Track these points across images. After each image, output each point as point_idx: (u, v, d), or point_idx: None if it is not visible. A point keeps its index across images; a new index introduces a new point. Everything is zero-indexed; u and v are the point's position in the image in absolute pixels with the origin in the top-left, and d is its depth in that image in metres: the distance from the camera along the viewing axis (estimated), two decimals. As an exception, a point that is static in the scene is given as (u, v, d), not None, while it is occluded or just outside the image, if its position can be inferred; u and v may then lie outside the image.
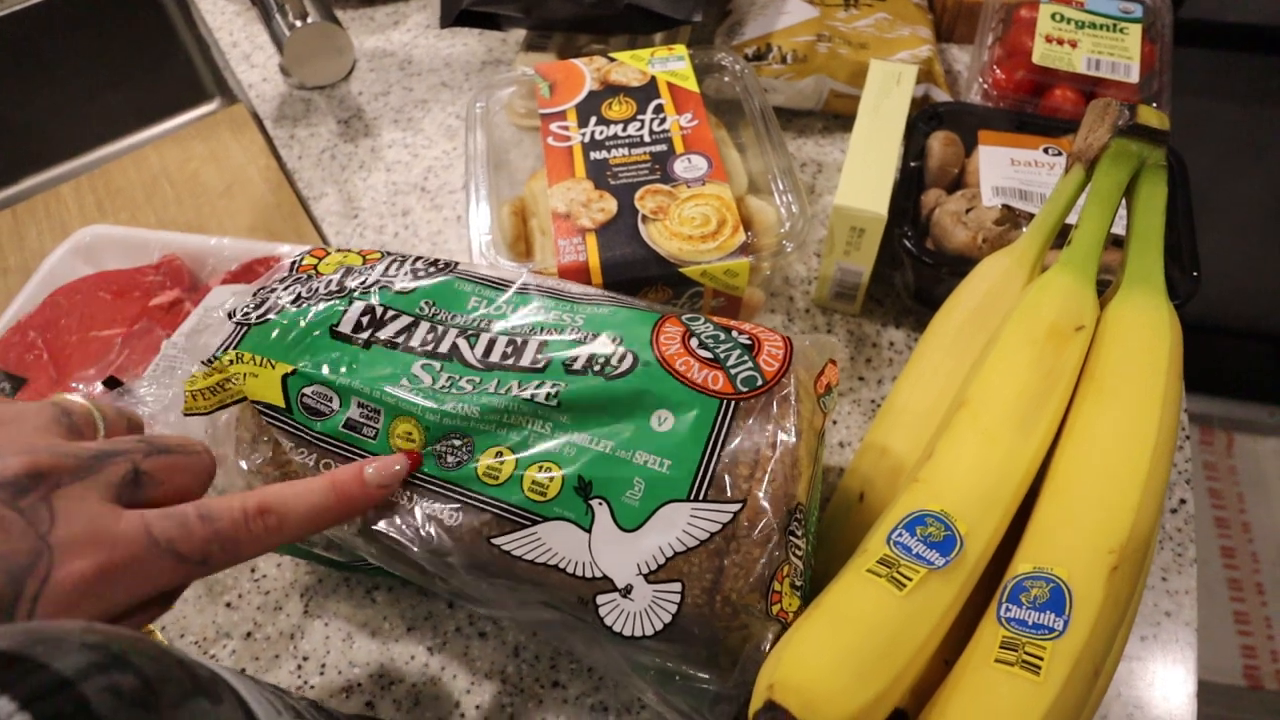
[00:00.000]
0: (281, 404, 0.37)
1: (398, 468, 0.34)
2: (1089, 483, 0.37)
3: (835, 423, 0.52)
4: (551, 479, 0.34)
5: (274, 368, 0.37)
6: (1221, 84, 1.04)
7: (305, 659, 0.45)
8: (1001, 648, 0.34)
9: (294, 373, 0.37)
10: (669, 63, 0.55)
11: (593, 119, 0.52)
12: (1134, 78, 0.58)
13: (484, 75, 0.72)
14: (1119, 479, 0.37)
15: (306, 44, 0.65)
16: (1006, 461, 0.38)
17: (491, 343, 0.37)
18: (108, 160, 0.69)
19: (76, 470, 0.25)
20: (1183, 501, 0.50)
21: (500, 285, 0.40)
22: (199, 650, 0.45)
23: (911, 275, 0.52)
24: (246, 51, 0.76)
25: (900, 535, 0.36)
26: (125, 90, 0.92)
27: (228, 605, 0.47)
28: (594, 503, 0.33)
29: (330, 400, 0.36)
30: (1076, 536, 0.36)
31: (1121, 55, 0.58)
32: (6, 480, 0.23)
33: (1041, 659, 0.33)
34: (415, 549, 0.35)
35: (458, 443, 0.35)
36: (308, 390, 0.37)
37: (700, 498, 0.33)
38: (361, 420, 0.36)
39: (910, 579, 0.34)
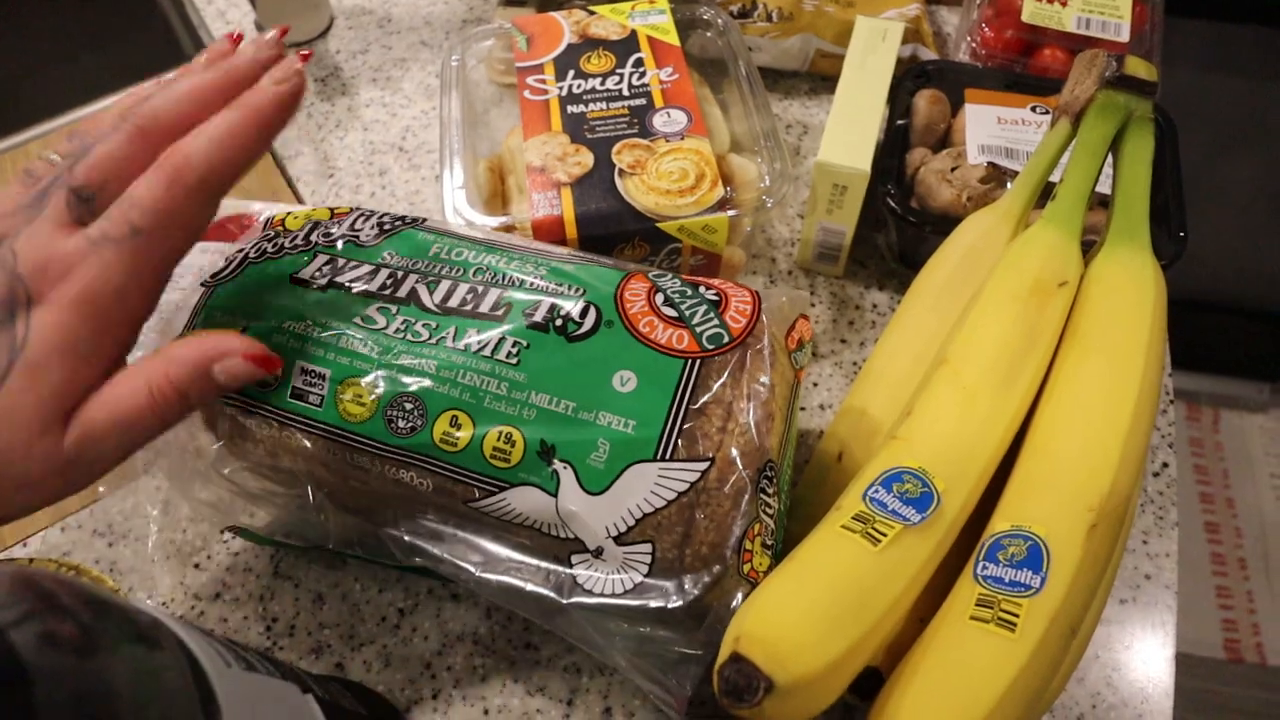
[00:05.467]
0: None
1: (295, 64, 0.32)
2: (1069, 440, 0.37)
3: (816, 384, 0.51)
4: (513, 444, 0.33)
5: None
6: (1216, 56, 1.03)
7: (274, 620, 0.44)
8: (977, 604, 0.33)
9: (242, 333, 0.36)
10: (650, 16, 0.53)
11: (571, 72, 0.51)
12: (1124, 37, 0.57)
13: (467, 32, 0.70)
14: (1099, 436, 0.36)
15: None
16: (986, 419, 0.38)
17: (451, 288, 0.36)
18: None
19: (20, 219, 0.28)
20: (1165, 465, 0.50)
21: (465, 237, 0.39)
22: (165, 613, 0.44)
23: (895, 235, 0.51)
24: (221, 8, 0.74)
25: (876, 491, 0.35)
26: (101, 51, 0.90)
27: (196, 567, 0.46)
28: (558, 466, 0.33)
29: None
30: (1055, 494, 0.36)
31: (1112, 14, 0.57)
32: None
33: (1017, 616, 0.33)
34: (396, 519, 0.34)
35: (409, 406, 0.34)
36: None
37: (668, 457, 0.33)
38: (304, 387, 0.35)
39: (885, 534, 0.34)
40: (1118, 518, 0.37)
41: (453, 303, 0.36)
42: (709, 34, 0.55)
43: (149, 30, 0.88)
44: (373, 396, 0.34)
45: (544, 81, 0.50)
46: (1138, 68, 0.39)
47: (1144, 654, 0.43)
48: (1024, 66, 0.57)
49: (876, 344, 0.46)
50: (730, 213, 0.45)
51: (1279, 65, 1.07)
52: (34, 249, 0.27)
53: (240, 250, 0.40)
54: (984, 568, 0.35)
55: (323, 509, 0.38)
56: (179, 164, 0.29)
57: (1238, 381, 1.54)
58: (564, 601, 0.33)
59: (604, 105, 0.49)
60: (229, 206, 0.55)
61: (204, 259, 0.52)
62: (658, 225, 0.44)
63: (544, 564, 0.34)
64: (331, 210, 0.42)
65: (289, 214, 0.42)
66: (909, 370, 0.44)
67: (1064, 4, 0.57)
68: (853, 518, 0.34)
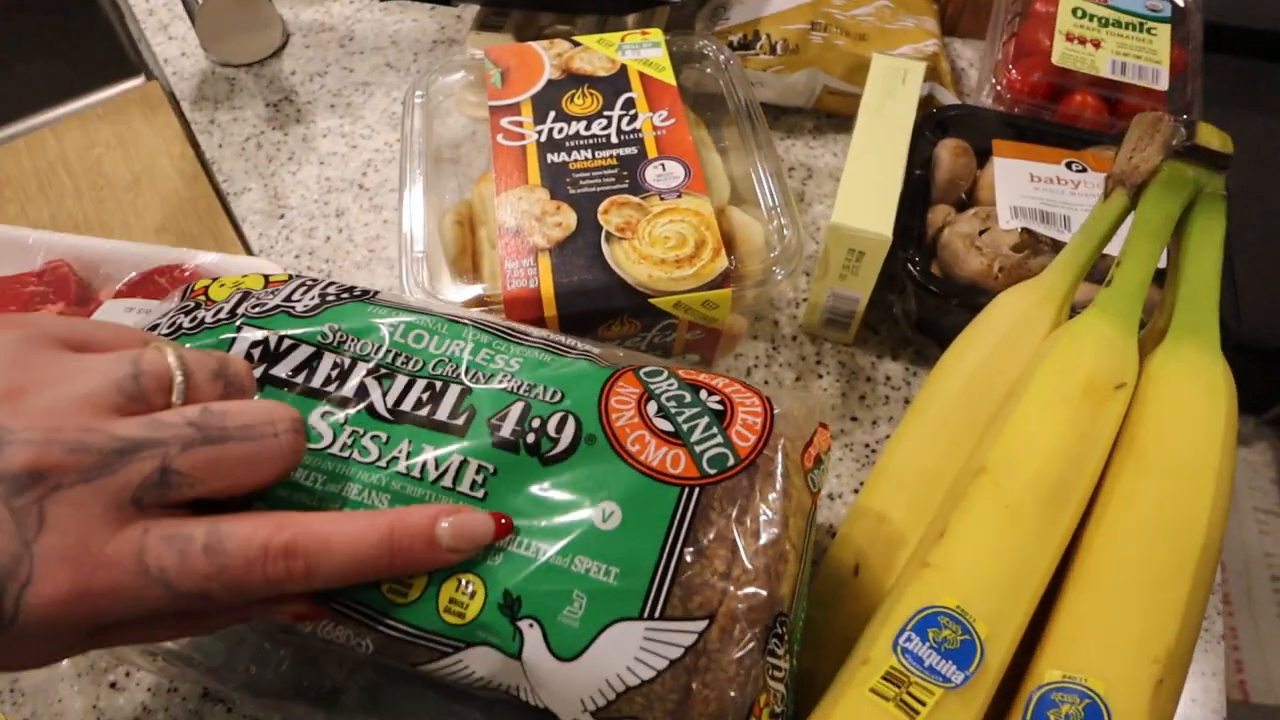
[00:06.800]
0: None
1: (481, 532, 0.27)
2: (1128, 575, 0.31)
3: (824, 470, 0.46)
4: (472, 595, 0.27)
5: None
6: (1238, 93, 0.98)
7: (198, 755, 0.38)
8: (1030, 787, 0.28)
9: None
10: (642, 49, 0.48)
11: (551, 114, 0.44)
12: (1163, 84, 0.52)
13: (434, 56, 0.64)
14: (1164, 574, 0.31)
15: (223, 15, 0.57)
16: (1034, 546, 0.32)
17: (407, 386, 0.30)
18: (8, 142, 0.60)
19: (85, 471, 0.22)
20: (1211, 566, 0.44)
21: (421, 312, 0.33)
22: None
23: (914, 303, 0.46)
24: (164, 21, 0.67)
25: (909, 640, 0.30)
26: (41, 63, 0.82)
27: (112, 686, 0.39)
28: (523, 624, 0.27)
29: None
30: (1114, 642, 0.31)
31: (1149, 59, 0.52)
32: (7, 474, 0.22)
33: (1079, 803, 0.27)
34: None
35: None
36: None
37: (657, 614, 0.27)
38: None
39: (924, 703, 0.28)
40: (1185, 666, 0.31)
41: (406, 405, 0.30)
42: (707, 69, 0.50)
43: (92, 43, 0.81)
44: None
45: (520, 124, 0.44)
46: (1211, 138, 0.34)
47: (1197, 799, 0.38)
48: (1052, 113, 0.52)
49: (894, 433, 0.41)
50: (734, 287, 0.39)
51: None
52: (70, 528, 0.22)
53: (149, 328, 0.33)
54: (1034, 731, 0.29)
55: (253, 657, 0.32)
56: (296, 573, 0.24)
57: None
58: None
59: (589, 154, 0.43)
60: (163, 255, 0.48)
61: (129, 319, 0.45)
62: (651, 301, 0.38)
63: None
64: (266, 278, 0.36)
65: (214, 281, 0.36)
66: (935, 468, 0.38)
67: (1097, 46, 0.52)
68: (882, 678, 0.29)
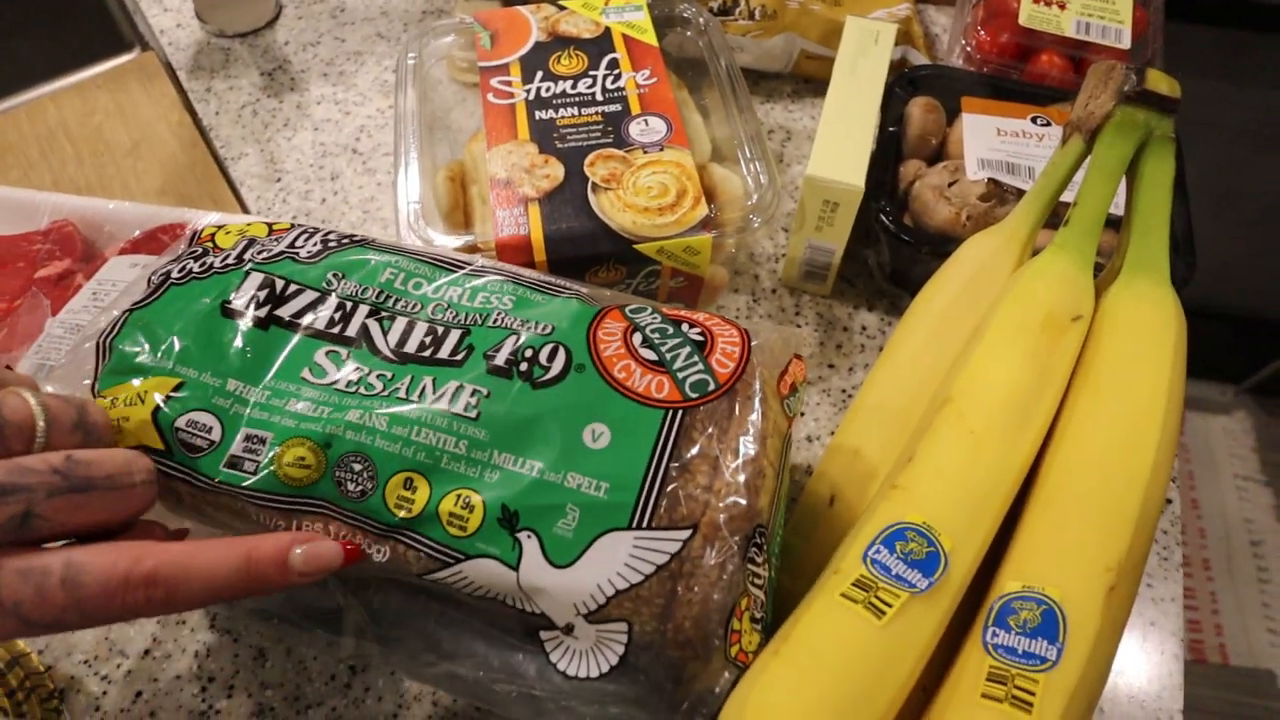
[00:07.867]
0: (160, 446, 0.31)
1: (331, 557, 0.29)
2: (1084, 492, 0.34)
3: (802, 414, 0.48)
4: (471, 510, 0.29)
5: (144, 401, 0.31)
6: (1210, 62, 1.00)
7: (211, 680, 0.40)
8: (988, 680, 0.30)
9: (167, 400, 0.31)
10: (625, 13, 0.49)
11: (539, 74, 0.46)
12: (1125, 43, 0.54)
13: (424, 27, 0.65)
14: (1117, 489, 0.33)
15: (220, -15, 0.58)
16: (995, 467, 0.34)
17: (409, 328, 0.32)
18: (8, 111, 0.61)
19: None
20: (1168, 501, 0.47)
21: (418, 258, 0.35)
22: (88, 670, 0.40)
23: (887, 254, 0.48)
24: (159, -7, 0.68)
25: (878, 552, 0.32)
26: (34, 38, 0.83)
27: (121, 620, 0.41)
28: (521, 535, 0.29)
29: (209, 431, 0.30)
30: (1070, 552, 0.33)
31: (1112, 19, 0.54)
32: None
33: (1033, 695, 0.30)
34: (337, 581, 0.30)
35: (357, 466, 0.30)
36: (182, 422, 0.30)
37: (644, 524, 0.29)
38: (243, 454, 0.30)
39: (890, 605, 0.30)
40: (1136, 576, 0.34)
41: (410, 347, 0.32)
42: (688, 33, 0.51)
43: (85, 16, 0.82)
44: (317, 459, 0.30)
45: (509, 83, 0.46)
46: (1159, 82, 0.36)
47: (1153, 712, 0.40)
48: (1020, 72, 0.54)
49: (868, 375, 0.43)
50: (714, 233, 0.41)
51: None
52: None
53: (161, 273, 0.35)
54: (994, 634, 0.31)
55: None
56: (156, 600, 0.25)
57: (1203, 383, 1.54)
58: (535, 691, 0.29)
59: (575, 111, 0.45)
60: (164, 215, 0.50)
61: (133, 273, 0.47)
62: (635, 246, 0.40)
63: (507, 649, 0.30)
64: (269, 226, 0.38)
65: (220, 228, 0.38)
66: (906, 407, 0.40)
67: (1062, 7, 0.54)
68: (853, 584, 0.31)
